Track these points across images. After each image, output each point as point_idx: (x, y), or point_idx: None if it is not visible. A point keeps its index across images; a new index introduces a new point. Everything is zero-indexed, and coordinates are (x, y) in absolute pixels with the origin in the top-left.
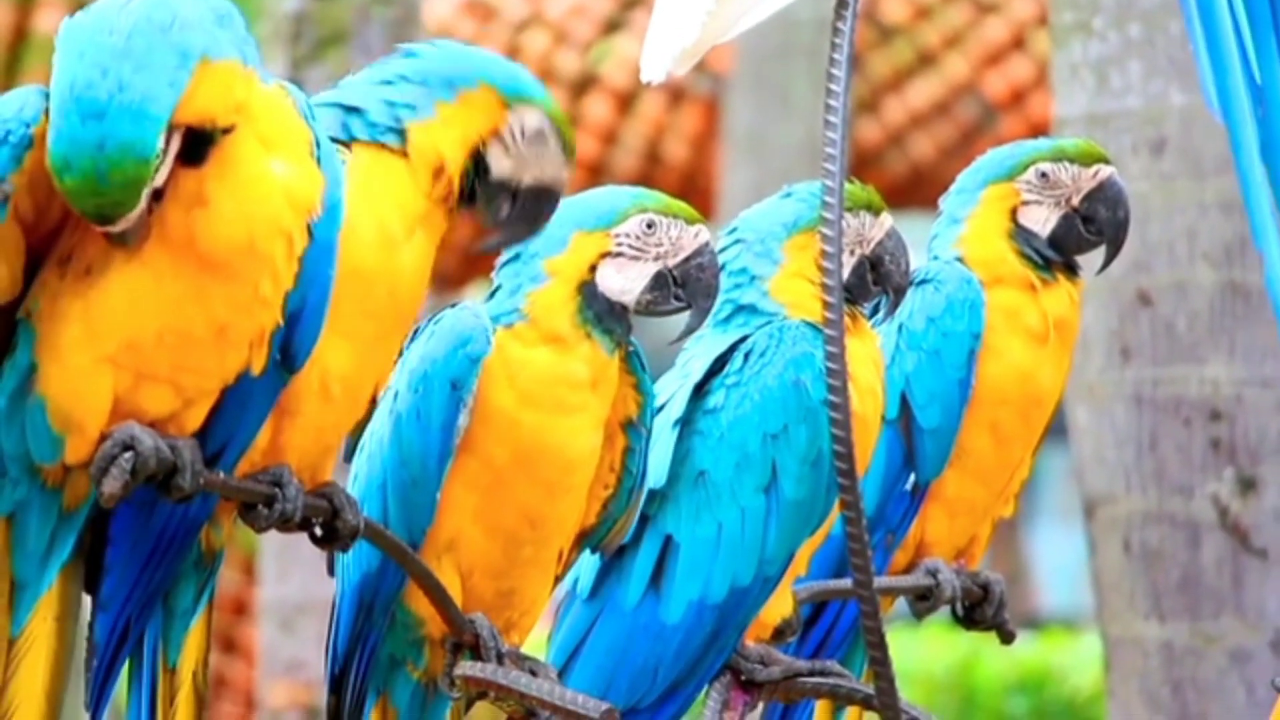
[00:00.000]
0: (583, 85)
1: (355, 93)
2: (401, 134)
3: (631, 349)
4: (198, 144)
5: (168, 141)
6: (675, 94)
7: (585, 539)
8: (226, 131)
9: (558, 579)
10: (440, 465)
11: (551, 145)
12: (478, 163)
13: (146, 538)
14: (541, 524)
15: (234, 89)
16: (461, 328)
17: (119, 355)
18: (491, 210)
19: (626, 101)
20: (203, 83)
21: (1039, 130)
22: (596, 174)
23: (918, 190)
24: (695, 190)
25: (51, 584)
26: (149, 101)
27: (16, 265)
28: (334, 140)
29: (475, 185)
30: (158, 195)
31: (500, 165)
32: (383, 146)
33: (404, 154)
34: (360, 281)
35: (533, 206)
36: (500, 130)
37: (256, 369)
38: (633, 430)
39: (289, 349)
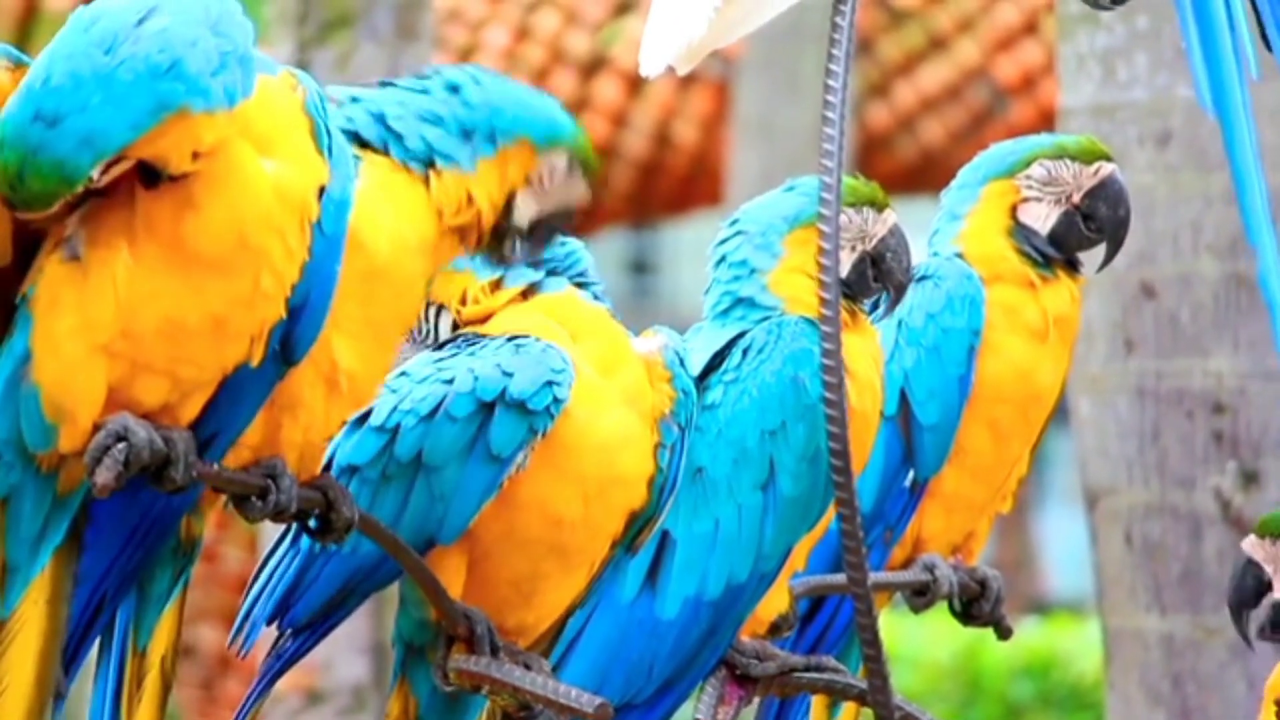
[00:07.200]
0: (593, 66)
1: (396, 113)
2: (430, 169)
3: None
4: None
5: (114, 164)
6: (685, 77)
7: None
8: (176, 179)
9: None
10: None
11: (576, 179)
12: (506, 206)
13: (127, 519)
14: (568, 528)
15: (202, 140)
16: None
17: (113, 345)
18: (506, 245)
19: (636, 83)
20: (169, 132)
21: (1049, 116)
22: (606, 155)
23: (927, 175)
24: (705, 173)
25: (43, 567)
26: (101, 136)
27: (5, 236)
28: (359, 140)
29: (499, 226)
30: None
31: (527, 209)
32: (405, 169)
33: (424, 182)
34: (368, 283)
35: (547, 229)
36: (531, 177)
37: (255, 361)
38: (666, 427)
39: (289, 341)
